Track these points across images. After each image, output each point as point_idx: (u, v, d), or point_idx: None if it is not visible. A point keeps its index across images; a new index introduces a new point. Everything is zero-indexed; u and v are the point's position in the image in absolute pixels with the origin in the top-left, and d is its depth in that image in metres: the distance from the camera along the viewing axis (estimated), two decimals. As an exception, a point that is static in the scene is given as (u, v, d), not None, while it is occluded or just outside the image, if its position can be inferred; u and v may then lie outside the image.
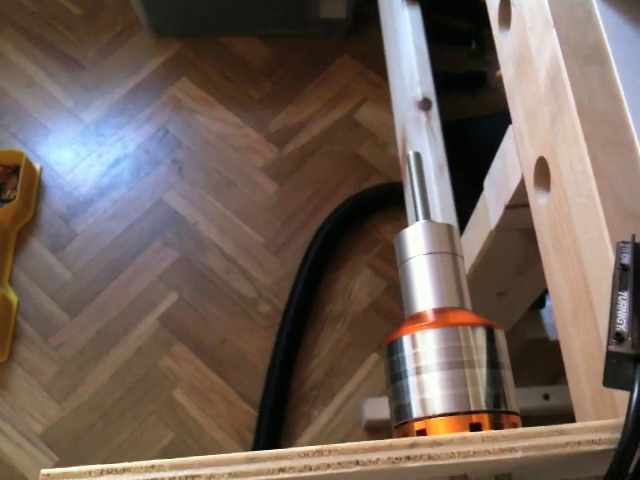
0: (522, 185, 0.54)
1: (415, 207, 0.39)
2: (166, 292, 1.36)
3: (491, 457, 0.27)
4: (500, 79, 0.56)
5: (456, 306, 0.36)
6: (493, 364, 0.33)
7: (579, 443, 0.28)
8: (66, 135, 1.52)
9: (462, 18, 1.50)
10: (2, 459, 1.23)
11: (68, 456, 1.24)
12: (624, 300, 0.30)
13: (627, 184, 0.38)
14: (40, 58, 1.60)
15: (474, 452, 0.27)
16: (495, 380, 0.33)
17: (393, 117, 1.13)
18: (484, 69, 1.43)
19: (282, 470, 0.27)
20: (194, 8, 1.54)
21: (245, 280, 1.37)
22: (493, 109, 1.13)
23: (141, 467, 0.27)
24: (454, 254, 0.37)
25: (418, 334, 0.34)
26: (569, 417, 0.42)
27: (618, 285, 0.31)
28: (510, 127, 0.57)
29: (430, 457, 0.27)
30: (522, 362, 1.26)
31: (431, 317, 0.35)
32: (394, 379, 0.34)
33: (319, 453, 0.27)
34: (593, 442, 0.28)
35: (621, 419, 0.28)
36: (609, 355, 0.29)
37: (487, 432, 0.28)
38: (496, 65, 0.56)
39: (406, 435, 0.33)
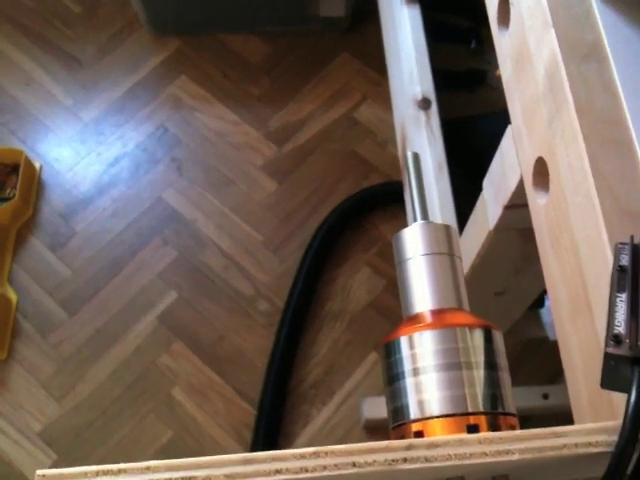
0: (521, 185, 0.54)
1: (413, 208, 0.39)
2: (165, 290, 1.36)
3: (488, 459, 0.27)
4: (499, 78, 0.56)
5: (454, 307, 0.36)
6: (491, 365, 0.33)
7: (576, 445, 0.28)
8: (65, 133, 1.52)
9: (461, 16, 1.50)
10: (0, 457, 1.23)
11: (66, 454, 1.24)
12: (622, 302, 0.30)
13: (625, 183, 0.38)
14: (39, 55, 1.59)
15: (471, 454, 0.27)
16: (492, 381, 0.33)
17: (392, 115, 1.13)
18: (483, 67, 1.43)
19: (278, 472, 0.27)
20: (193, 5, 1.54)
21: (244, 278, 1.37)
22: (492, 108, 1.12)
23: (137, 468, 0.27)
24: (452, 255, 0.37)
25: (416, 335, 0.34)
26: (568, 417, 0.42)
27: (616, 287, 0.31)
28: (509, 127, 0.57)
29: (427, 459, 0.27)
30: (521, 361, 1.26)
31: (429, 318, 0.35)
32: (392, 380, 0.34)
33: (315, 455, 0.27)
34: (590, 444, 0.28)
35: (618, 421, 0.28)
36: (607, 357, 0.29)
37: (484, 434, 0.28)
38: (495, 64, 0.56)
39: (403, 436, 0.33)
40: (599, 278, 0.37)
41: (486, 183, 0.66)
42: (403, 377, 0.33)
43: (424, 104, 0.97)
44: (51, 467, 1.16)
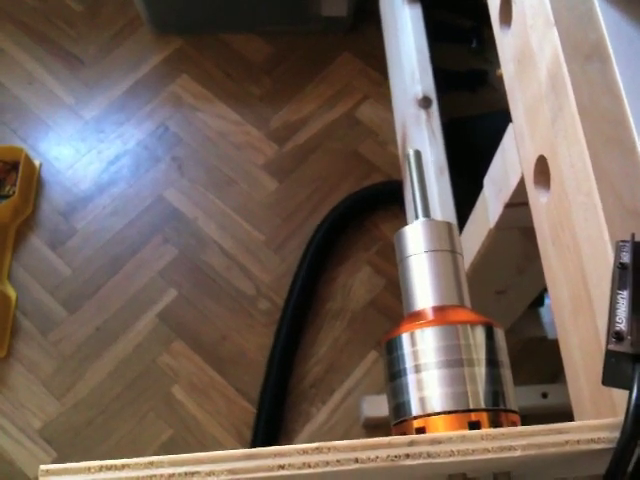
0: (522, 184, 0.54)
1: (415, 205, 0.39)
2: (165, 289, 1.36)
3: (490, 455, 0.27)
4: (501, 77, 0.56)
5: (455, 304, 0.36)
6: (492, 362, 0.33)
7: (578, 442, 0.28)
8: (66, 131, 1.52)
9: (463, 16, 1.50)
10: (1, 455, 1.23)
11: (67, 452, 1.24)
12: (623, 299, 0.30)
13: (627, 182, 0.38)
14: (40, 54, 1.60)
15: (473, 450, 0.27)
16: (494, 378, 0.33)
17: (393, 115, 1.13)
18: (485, 67, 1.43)
19: (281, 467, 0.27)
20: (195, 5, 1.54)
21: (245, 277, 1.37)
22: (494, 107, 1.12)
23: (140, 463, 0.27)
24: (454, 252, 0.37)
25: (417, 332, 0.34)
26: (567, 416, 0.42)
27: (617, 284, 0.31)
28: (510, 126, 0.57)
29: (429, 455, 0.27)
30: (520, 360, 1.26)
31: (430, 315, 0.35)
32: (393, 377, 0.34)
33: (318, 450, 0.27)
34: (592, 441, 0.28)
35: (620, 418, 0.28)
36: (608, 354, 0.29)
37: (486, 430, 0.28)
38: (497, 63, 0.56)
39: (405, 433, 0.33)
40: (600, 276, 0.38)
41: (487, 181, 0.66)
42: (405, 374, 0.33)
43: (425, 103, 0.97)
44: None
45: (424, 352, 0.33)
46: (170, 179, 1.47)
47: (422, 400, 0.32)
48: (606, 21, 0.44)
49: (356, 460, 0.27)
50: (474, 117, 1.19)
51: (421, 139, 0.96)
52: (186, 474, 0.27)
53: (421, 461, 0.27)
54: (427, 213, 0.39)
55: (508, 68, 0.53)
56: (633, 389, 0.28)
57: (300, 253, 1.38)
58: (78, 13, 1.65)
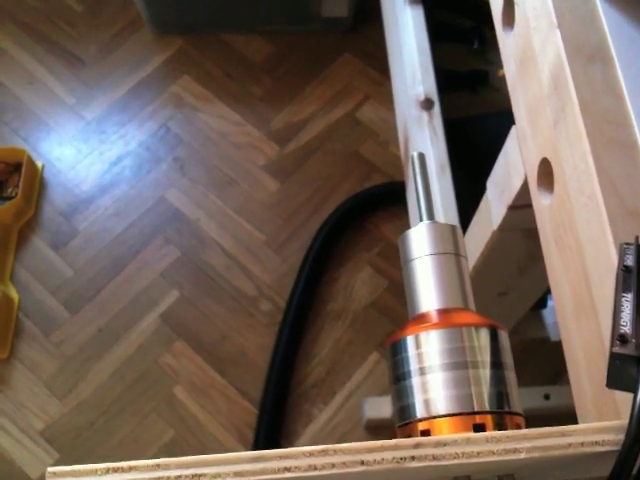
0: (525, 186, 0.54)
1: (419, 208, 0.39)
2: (167, 289, 1.37)
3: (495, 458, 0.27)
4: (502, 78, 0.56)
5: (460, 307, 0.36)
6: (497, 365, 0.33)
7: (582, 444, 0.28)
8: (68, 132, 1.52)
9: (464, 17, 1.50)
10: (2, 455, 1.23)
11: (68, 453, 1.24)
12: (628, 302, 0.30)
13: (630, 184, 0.38)
14: (42, 55, 1.60)
15: (478, 453, 0.27)
16: (499, 381, 0.33)
17: (395, 115, 1.13)
18: (486, 68, 1.43)
19: (287, 469, 0.27)
20: (195, 5, 1.54)
21: (246, 278, 1.38)
22: (495, 108, 1.13)
23: (147, 465, 0.27)
24: (458, 255, 0.37)
25: (422, 334, 0.34)
26: (570, 417, 0.43)
27: (622, 287, 0.31)
28: (513, 127, 0.57)
29: (435, 457, 0.27)
30: (523, 362, 1.26)
31: (435, 318, 0.35)
32: (398, 379, 0.34)
33: (324, 453, 0.27)
34: (596, 443, 0.28)
35: (624, 420, 0.28)
36: (613, 357, 0.29)
37: (491, 433, 0.28)
38: (498, 64, 0.56)
39: (410, 435, 0.33)
40: (603, 278, 0.38)
41: (490, 183, 0.67)
42: (409, 376, 0.33)
43: (427, 104, 0.97)
44: (53, 466, 1.16)
45: (429, 354, 0.33)
46: (172, 180, 1.47)
47: (427, 402, 0.33)
48: (608, 22, 0.44)
49: (362, 462, 0.27)
50: (475, 117, 1.19)
51: (423, 140, 0.96)
52: (192, 476, 0.27)
53: (427, 463, 0.27)
54: (431, 216, 0.39)
55: (510, 69, 0.53)
56: (638, 392, 0.28)
57: (301, 253, 1.38)
58: (79, 13, 1.65)
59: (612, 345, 0.29)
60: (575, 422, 0.41)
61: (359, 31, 1.62)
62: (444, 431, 0.32)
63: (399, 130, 1.08)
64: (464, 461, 0.27)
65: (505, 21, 0.55)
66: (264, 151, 1.50)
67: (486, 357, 0.33)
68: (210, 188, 1.46)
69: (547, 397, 1.17)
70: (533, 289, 0.79)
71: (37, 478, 1.22)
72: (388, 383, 0.36)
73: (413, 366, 0.33)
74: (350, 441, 0.27)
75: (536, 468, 0.30)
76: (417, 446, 0.27)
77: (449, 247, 0.37)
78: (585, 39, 0.44)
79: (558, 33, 0.44)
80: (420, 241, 0.37)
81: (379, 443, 0.27)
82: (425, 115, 0.97)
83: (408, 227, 0.38)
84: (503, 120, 0.59)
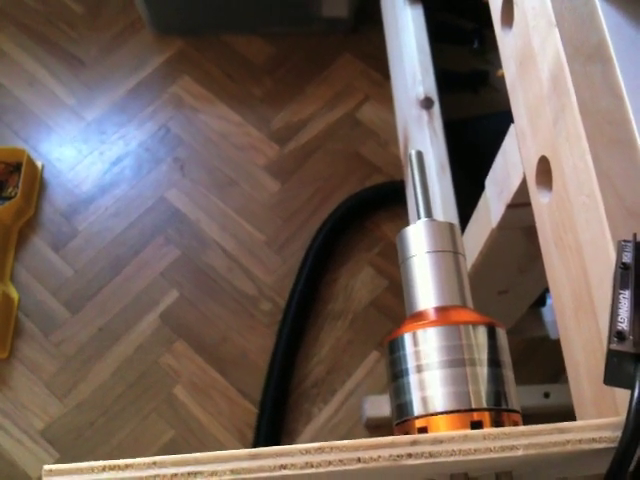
0: (524, 184, 0.54)
1: (417, 205, 0.39)
2: (167, 289, 1.37)
3: (492, 455, 0.27)
4: (501, 78, 0.56)
5: (458, 304, 0.36)
6: (494, 362, 0.33)
7: (580, 441, 0.28)
8: (68, 133, 1.53)
9: (464, 17, 1.50)
10: (3, 455, 1.23)
11: (69, 453, 1.24)
12: (625, 299, 0.30)
13: (629, 183, 0.38)
14: (42, 56, 1.60)
15: (475, 450, 0.27)
16: (496, 378, 0.33)
17: (395, 116, 1.13)
18: (486, 68, 1.43)
19: (283, 467, 0.27)
20: (196, 6, 1.54)
21: (246, 278, 1.38)
22: (495, 108, 1.13)
23: (143, 464, 0.27)
24: (456, 252, 0.37)
25: (420, 332, 0.34)
26: (569, 416, 0.43)
27: (619, 284, 0.31)
28: (512, 126, 0.57)
29: (431, 455, 0.27)
30: (522, 360, 1.26)
31: (433, 315, 0.35)
32: (395, 377, 0.34)
33: (320, 450, 0.27)
34: (594, 440, 0.28)
35: (622, 417, 0.28)
36: (610, 354, 0.29)
37: (488, 430, 0.28)
38: (498, 64, 0.56)
39: (407, 433, 0.33)
40: (602, 277, 0.38)
41: (489, 182, 0.67)
42: (407, 374, 0.33)
43: (427, 104, 0.97)
44: (53, 466, 1.16)
45: (426, 352, 0.33)
46: (172, 180, 1.47)
47: (424, 400, 0.33)
48: (607, 22, 0.44)
49: (359, 460, 0.27)
50: (475, 118, 1.19)
51: (423, 140, 0.96)
52: (189, 474, 0.27)
53: (423, 460, 0.27)
54: (429, 213, 0.39)
55: (510, 69, 0.53)
56: (635, 388, 0.28)
57: (301, 254, 1.38)
58: (79, 15, 1.65)
59: (609, 342, 0.29)
60: (575, 420, 0.41)
61: (359, 32, 1.63)
62: (441, 428, 0.32)
63: (399, 130, 1.08)
64: (461, 458, 0.27)
65: (504, 21, 0.55)
66: (264, 152, 1.50)
67: (484, 355, 0.33)
68: (210, 188, 1.46)
69: (547, 395, 1.17)
70: (532, 288, 0.79)
71: (37, 478, 1.22)
72: (387, 381, 0.36)
73: (411, 364, 0.33)
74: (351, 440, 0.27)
75: (534, 465, 0.30)
76: (414, 443, 0.27)
77: (447, 245, 0.37)
78: (584, 38, 0.44)
79: (557, 32, 0.44)
80: (418, 239, 0.37)
81: (376, 440, 0.27)
82: (425, 115, 0.97)
83: (409, 225, 0.38)
84: (503, 120, 0.59)
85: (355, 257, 1.40)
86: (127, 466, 0.27)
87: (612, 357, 0.29)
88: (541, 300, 1.00)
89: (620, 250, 0.32)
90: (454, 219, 0.88)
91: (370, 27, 1.61)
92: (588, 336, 0.40)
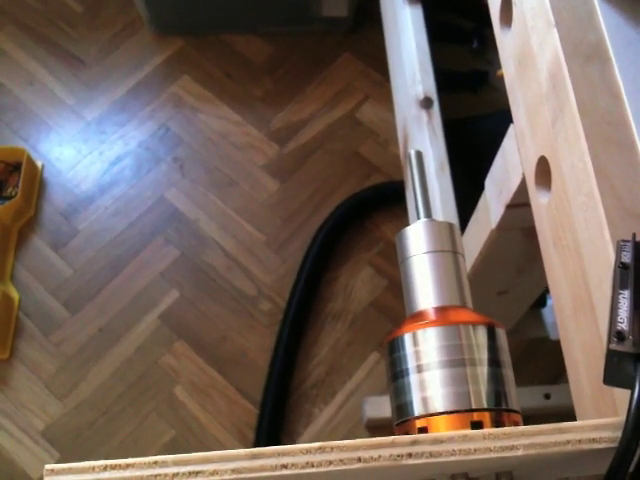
0: (523, 184, 0.54)
1: (416, 205, 0.39)
2: (167, 289, 1.37)
3: (492, 455, 0.27)
4: (501, 78, 0.56)
5: (457, 304, 0.36)
6: (494, 362, 0.33)
7: (580, 441, 0.28)
8: (67, 132, 1.53)
9: (464, 17, 1.50)
10: (3, 455, 1.23)
11: (69, 453, 1.24)
12: (625, 299, 0.30)
13: (628, 183, 0.39)
14: (42, 55, 1.60)
15: (475, 450, 0.27)
16: (496, 378, 0.33)
17: (394, 115, 1.13)
18: (486, 68, 1.43)
19: (284, 466, 0.27)
20: (196, 5, 1.54)
21: (246, 278, 1.38)
22: (495, 108, 1.13)
23: (144, 463, 0.27)
24: (455, 252, 0.37)
25: (419, 332, 0.34)
26: (570, 417, 0.43)
27: (619, 284, 0.31)
28: (511, 126, 0.57)
29: (431, 454, 0.27)
30: (523, 361, 1.26)
31: (432, 315, 0.35)
32: (395, 377, 0.34)
33: (321, 450, 0.27)
34: (594, 440, 0.28)
35: (622, 417, 0.28)
36: (610, 353, 0.29)
37: (488, 430, 0.28)
38: (498, 64, 0.56)
39: (407, 433, 0.33)
40: (601, 277, 0.38)
41: (488, 182, 0.67)
42: (407, 374, 0.34)
43: (426, 103, 0.97)
44: (53, 465, 1.16)
45: (426, 352, 0.33)
46: (171, 180, 1.47)
47: (424, 400, 0.33)
48: (606, 22, 0.44)
49: (359, 459, 0.27)
50: (475, 117, 1.20)
51: (422, 139, 0.96)
52: (190, 473, 0.27)
53: (423, 460, 0.27)
54: (428, 213, 0.39)
55: (509, 69, 0.53)
56: (635, 388, 0.28)
57: (301, 254, 1.38)
58: (79, 14, 1.65)
59: (609, 342, 0.29)
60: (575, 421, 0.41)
61: (359, 32, 1.63)
62: (442, 428, 0.32)
63: (398, 129, 1.08)
64: (461, 458, 0.27)
65: (503, 20, 0.55)
66: (264, 151, 1.50)
67: (483, 355, 0.33)
68: (210, 188, 1.46)
69: (547, 396, 1.17)
70: (532, 288, 0.79)
71: (38, 478, 1.22)
72: (387, 381, 0.36)
73: (410, 364, 0.34)
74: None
75: (534, 466, 0.30)
76: (414, 443, 0.27)
77: (446, 245, 0.37)
78: (583, 38, 0.44)
79: (556, 32, 0.44)
80: (417, 239, 0.37)
81: (376, 440, 0.27)
82: (424, 114, 0.97)
83: (408, 225, 0.38)
84: (503, 120, 0.59)
85: (355, 257, 1.40)
86: (128, 465, 0.27)
87: (612, 357, 0.29)
88: (541, 301, 1.00)
89: (619, 250, 0.32)
90: (454, 219, 0.88)
91: (370, 27, 1.61)
92: (588, 336, 0.40)
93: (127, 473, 0.27)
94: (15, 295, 1.36)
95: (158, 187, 1.46)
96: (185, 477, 0.27)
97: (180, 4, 1.56)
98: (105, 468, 0.27)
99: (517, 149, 0.54)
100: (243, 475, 0.27)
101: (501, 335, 0.35)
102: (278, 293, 1.36)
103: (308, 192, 1.46)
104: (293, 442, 1.25)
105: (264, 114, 1.54)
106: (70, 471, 0.27)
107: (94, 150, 1.51)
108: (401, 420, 0.33)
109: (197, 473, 0.27)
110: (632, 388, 0.28)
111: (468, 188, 0.82)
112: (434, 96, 0.99)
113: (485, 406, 0.32)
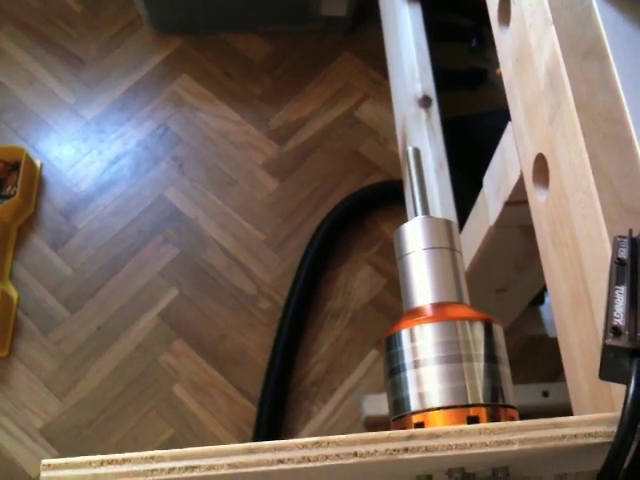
0: (521, 182, 0.54)
1: (414, 202, 0.39)
2: (166, 288, 1.37)
3: (488, 449, 0.27)
4: (500, 76, 0.56)
5: (454, 301, 0.36)
6: (491, 358, 0.33)
7: (575, 436, 0.28)
8: (67, 131, 1.53)
9: (462, 15, 1.50)
10: (2, 454, 1.23)
11: (68, 451, 1.24)
12: (621, 294, 0.30)
13: (625, 180, 0.39)
14: (42, 55, 1.60)
15: (471, 444, 0.27)
16: (493, 374, 0.33)
17: (394, 114, 1.13)
18: (484, 66, 1.43)
19: (281, 461, 0.27)
20: (195, 5, 1.54)
21: (245, 276, 1.38)
22: (493, 106, 1.13)
23: (141, 458, 0.27)
24: (452, 249, 0.37)
25: (416, 328, 0.34)
26: (568, 414, 0.43)
27: (615, 279, 0.31)
28: (510, 124, 0.57)
29: (427, 449, 0.27)
30: (521, 359, 1.26)
31: (429, 311, 0.35)
32: (392, 372, 0.34)
33: (317, 444, 0.27)
34: (589, 435, 0.28)
35: (617, 412, 0.28)
36: (606, 349, 0.29)
37: (484, 424, 0.28)
38: (496, 62, 0.56)
39: (404, 428, 0.33)
40: (599, 273, 0.38)
41: (487, 179, 0.67)
42: (404, 369, 0.34)
43: (425, 102, 0.97)
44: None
45: (423, 348, 0.33)
46: (171, 179, 1.47)
47: (421, 395, 0.33)
48: (604, 19, 0.44)
49: (355, 454, 0.27)
50: (474, 115, 1.20)
51: (421, 138, 0.96)
52: (186, 468, 0.27)
53: (419, 455, 0.27)
54: (426, 210, 0.39)
55: (507, 66, 0.54)
56: (631, 383, 0.28)
57: (300, 252, 1.38)
58: (78, 13, 1.65)
59: (605, 337, 0.29)
60: (571, 417, 0.41)
61: (358, 31, 1.63)
62: (438, 424, 0.32)
63: (397, 128, 1.08)
64: (457, 453, 0.27)
65: (501, 18, 0.55)
66: (263, 150, 1.50)
67: (480, 351, 0.33)
68: (209, 187, 1.46)
69: (546, 394, 1.17)
70: (531, 285, 0.79)
71: (36, 476, 1.22)
72: (384, 377, 0.36)
73: (407, 359, 0.34)
74: (348, 436, 0.27)
75: (530, 461, 0.30)
76: (410, 438, 0.27)
77: (444, 241, 0.37)
78: (581, 36, 0.44)
79: (554, 30, 0.44)
80: (415, 235, 0.37)
81: (372, 435, 0.27)
82: (423, 113, 0.97)
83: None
84: (502, 118, 0.59)
85: (354, 256, 1.40)
86: (125, 460, 0.27)
87: (608, 352, 0.29)
88: (539, 298, 1.00)
89: (616, 246, 0.32)
90: (452, 216, 0.88)
91: (369, 26, 1.61)
92: (585, 332, 0.40)
93: (124, 468, 0.27)
94: (14, 294, 1.36)
95: (157, 186, 1.46)
96: (181, 472, 0.27)
97: (179, 3, 1.56)
98: (102, 463, 0.27)
99: (515, 146, 0.54)
100: (239, 470, 0.27)
101: (498, 331, 0.35)
102: (277, 291, 1.36)
103: (307, 191, 1.46)
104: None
105: (263, 113, 1.54)
106: (67, 466, 0.27)
107: (93, 149, 1.51)
108: (398, 415, 0.34)
109: (193, 468, 0.27)
110: (628, 383, 0.28)
111: (467, 186, 0.82)
112: (433, 95, 0.99)
113: (481, 401, 0.32)
